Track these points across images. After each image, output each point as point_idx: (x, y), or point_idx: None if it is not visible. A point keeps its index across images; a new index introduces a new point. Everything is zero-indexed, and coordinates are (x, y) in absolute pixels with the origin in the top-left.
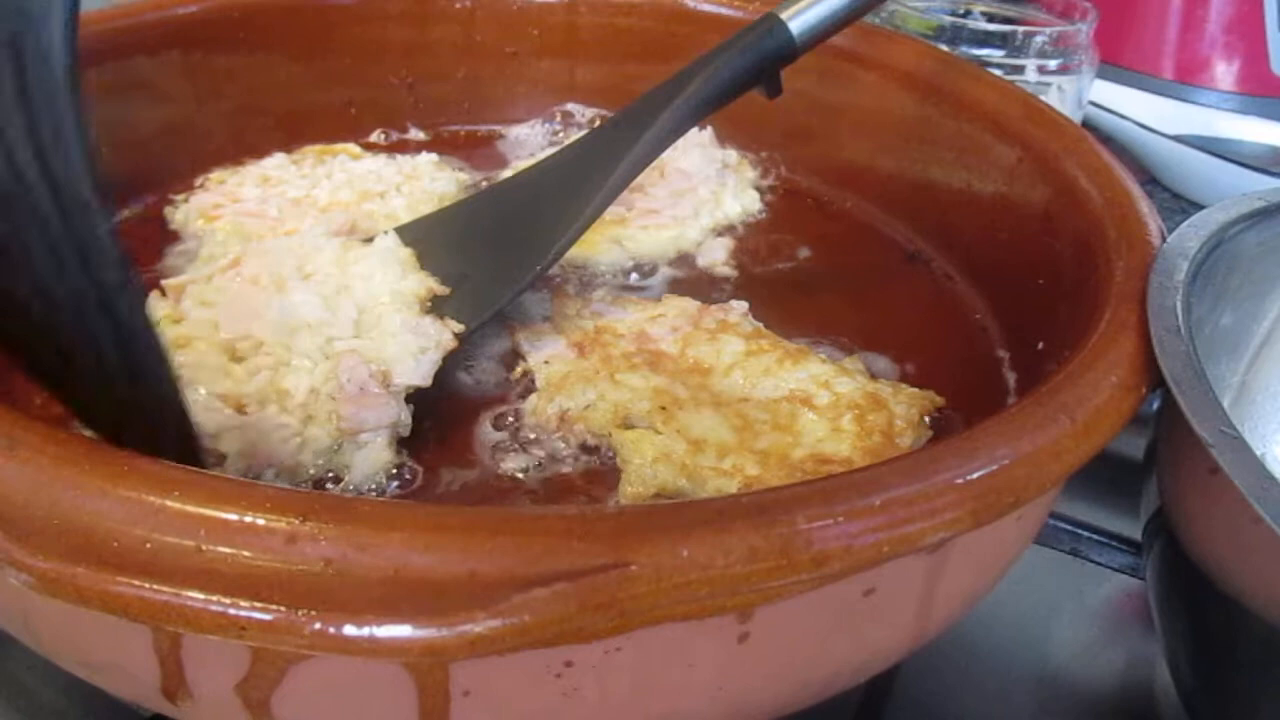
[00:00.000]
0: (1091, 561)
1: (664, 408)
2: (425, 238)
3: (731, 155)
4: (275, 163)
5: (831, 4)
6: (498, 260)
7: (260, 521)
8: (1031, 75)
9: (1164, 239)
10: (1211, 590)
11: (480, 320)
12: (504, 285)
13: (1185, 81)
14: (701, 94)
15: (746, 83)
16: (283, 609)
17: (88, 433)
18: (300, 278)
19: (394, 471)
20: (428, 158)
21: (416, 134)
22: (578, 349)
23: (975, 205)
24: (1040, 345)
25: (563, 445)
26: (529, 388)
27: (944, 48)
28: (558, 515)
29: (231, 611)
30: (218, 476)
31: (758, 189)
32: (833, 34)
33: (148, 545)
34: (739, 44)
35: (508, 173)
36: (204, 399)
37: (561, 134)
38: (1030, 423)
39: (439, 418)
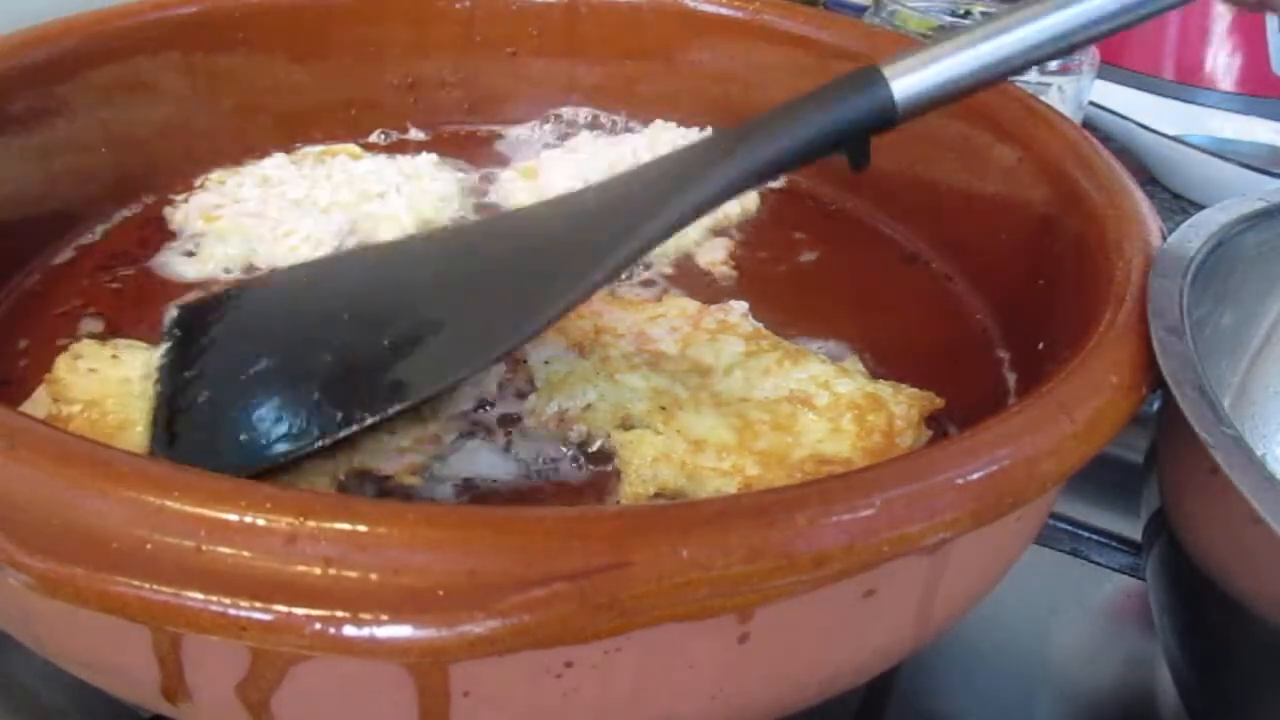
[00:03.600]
0: (1091, 561)
1: (664, 408)
2: (416, 262)
3: None
4: (275, 163)
5: (949, 70)
6: (478, 313)
7: (260, 522)
8: (1031, 75)
9: (1164, 239)
10: (1211, 590)
11: (437, 388)
12: (474, 347)
13: (1185, 82)
14: (767, 154)
15: (825, 146)
16: (282, 609)
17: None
18: None
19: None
20: (428, 158)
21: (416, 134)
22: (578, 349)
23: (975, 205)
24: (1040, 345)
25: (562, 445)
26: (529, 388)
27: None
28: (558, 515)
29: (231, 612)
30: (218, 476)
31: (758, 189)
32: (943, 104)
33: (147, 546)
34: (826, 97)
35: (509, 172)
36: None
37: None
38: (1030, 423)
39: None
